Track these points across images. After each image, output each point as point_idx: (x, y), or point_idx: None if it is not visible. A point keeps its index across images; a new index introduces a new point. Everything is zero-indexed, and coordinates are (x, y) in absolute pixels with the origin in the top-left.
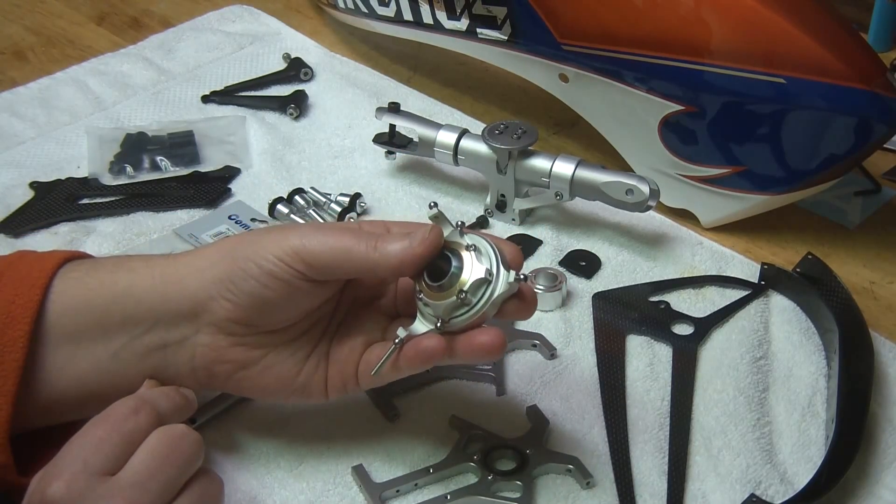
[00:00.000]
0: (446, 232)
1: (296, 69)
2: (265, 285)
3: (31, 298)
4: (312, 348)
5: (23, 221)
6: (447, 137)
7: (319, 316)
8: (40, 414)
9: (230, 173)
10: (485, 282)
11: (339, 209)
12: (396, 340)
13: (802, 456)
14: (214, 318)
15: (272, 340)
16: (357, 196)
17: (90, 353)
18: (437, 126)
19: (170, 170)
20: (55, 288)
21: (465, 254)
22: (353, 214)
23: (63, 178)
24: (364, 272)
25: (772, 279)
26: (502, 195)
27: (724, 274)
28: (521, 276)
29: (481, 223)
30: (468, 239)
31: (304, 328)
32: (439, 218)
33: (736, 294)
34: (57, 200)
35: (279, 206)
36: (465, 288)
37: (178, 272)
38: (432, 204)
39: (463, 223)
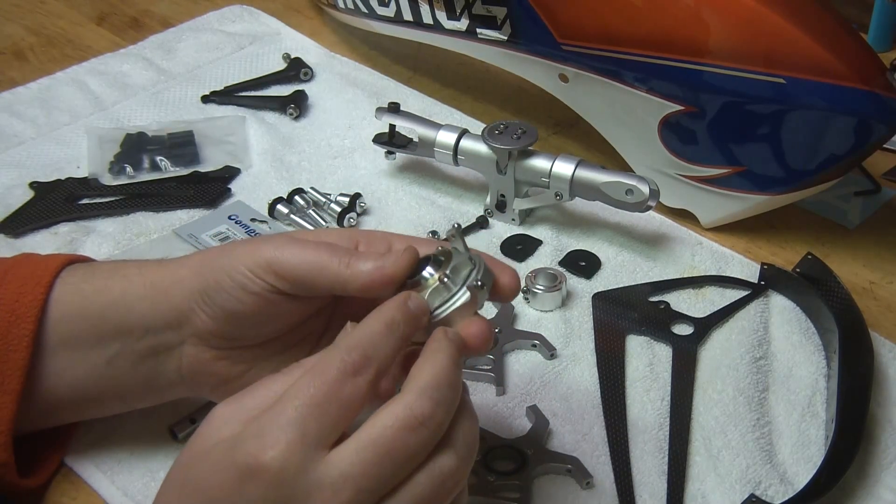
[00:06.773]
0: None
1: (296, 69)
2: (238, 299)
3: (36, 297)
4: None
5: (23, 221)
6: (447, 137)
7: (308, 331)
8: (39, 416)
9: (230, 173)
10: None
11: (338, 209)
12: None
13: (802, 456)
14: (196, 329)
15: (256, 355)
16: (357, 196)
17: (87, 359)
18: (437, 126)
19: (170, 170)
20: (53, 294)
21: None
22: (353, 214)
23: (63, 178)
24: (336, 289)
25: (772, 279)
26: (502, 195)
27: (724, 274)
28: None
29: (481, 223)
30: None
31: (290, 342)
32: (454, 238)
33: (736, 294)
34: (57, 200)
35: (279, 207)
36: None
37: (164, 281)
38: (456, 225)
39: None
